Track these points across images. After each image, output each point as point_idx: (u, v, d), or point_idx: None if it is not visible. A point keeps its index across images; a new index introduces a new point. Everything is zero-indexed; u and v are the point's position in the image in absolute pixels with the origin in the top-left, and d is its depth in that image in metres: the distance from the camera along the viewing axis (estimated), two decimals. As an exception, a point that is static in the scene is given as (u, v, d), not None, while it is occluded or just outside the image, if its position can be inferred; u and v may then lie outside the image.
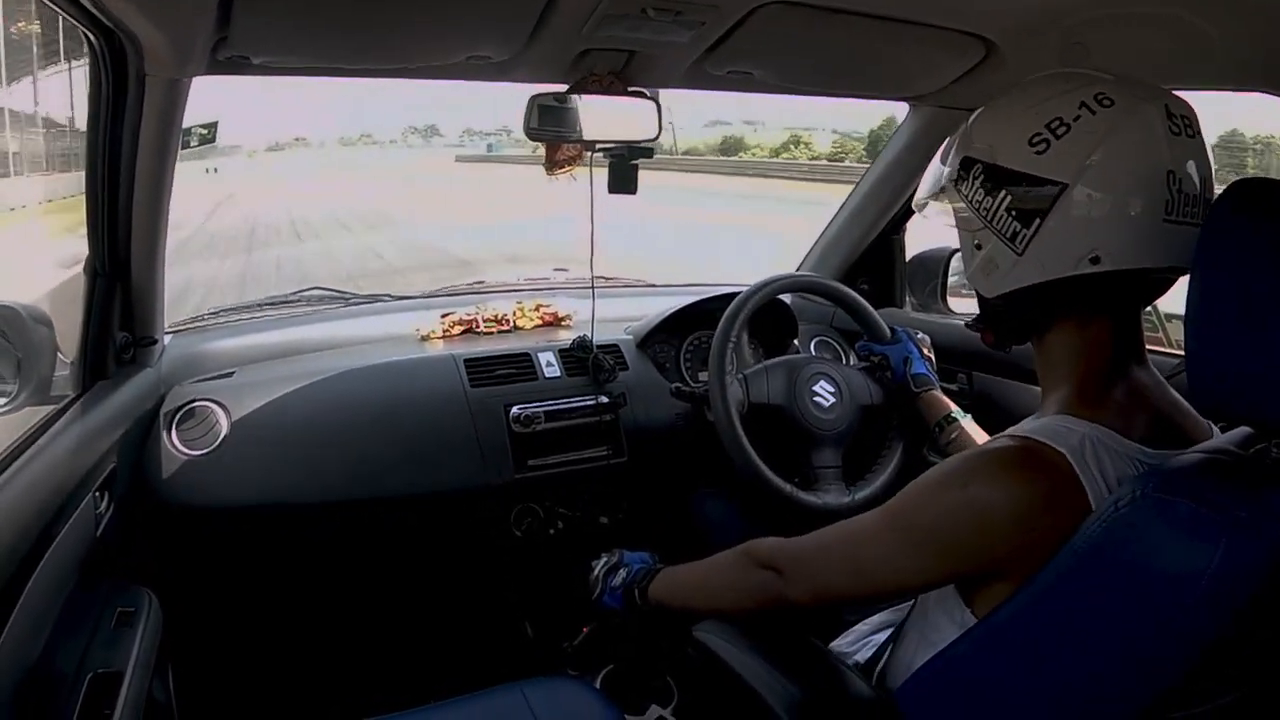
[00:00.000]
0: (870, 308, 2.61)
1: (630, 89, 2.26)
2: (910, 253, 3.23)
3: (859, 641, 1.84)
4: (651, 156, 2.38)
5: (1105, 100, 1.31)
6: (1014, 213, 1.36)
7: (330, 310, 3.06)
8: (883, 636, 1.79)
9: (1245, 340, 1.12)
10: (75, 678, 1.60)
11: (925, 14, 2.00)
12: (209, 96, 1.96)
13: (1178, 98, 1.34)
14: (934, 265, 3.10)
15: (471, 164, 58.37)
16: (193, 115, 2.02)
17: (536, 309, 3.07)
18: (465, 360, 2.67)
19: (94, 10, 1.59)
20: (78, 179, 1.97)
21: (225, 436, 2.38)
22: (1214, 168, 1.35)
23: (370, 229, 25.33)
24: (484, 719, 1.79)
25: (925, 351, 2.51)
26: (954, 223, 1.50)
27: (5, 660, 1.38)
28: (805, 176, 35.74)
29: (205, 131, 2.31)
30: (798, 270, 3.36)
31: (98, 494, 1.86)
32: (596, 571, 1.94)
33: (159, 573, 2.15)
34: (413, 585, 2.75)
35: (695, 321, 2.96)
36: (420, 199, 34.69)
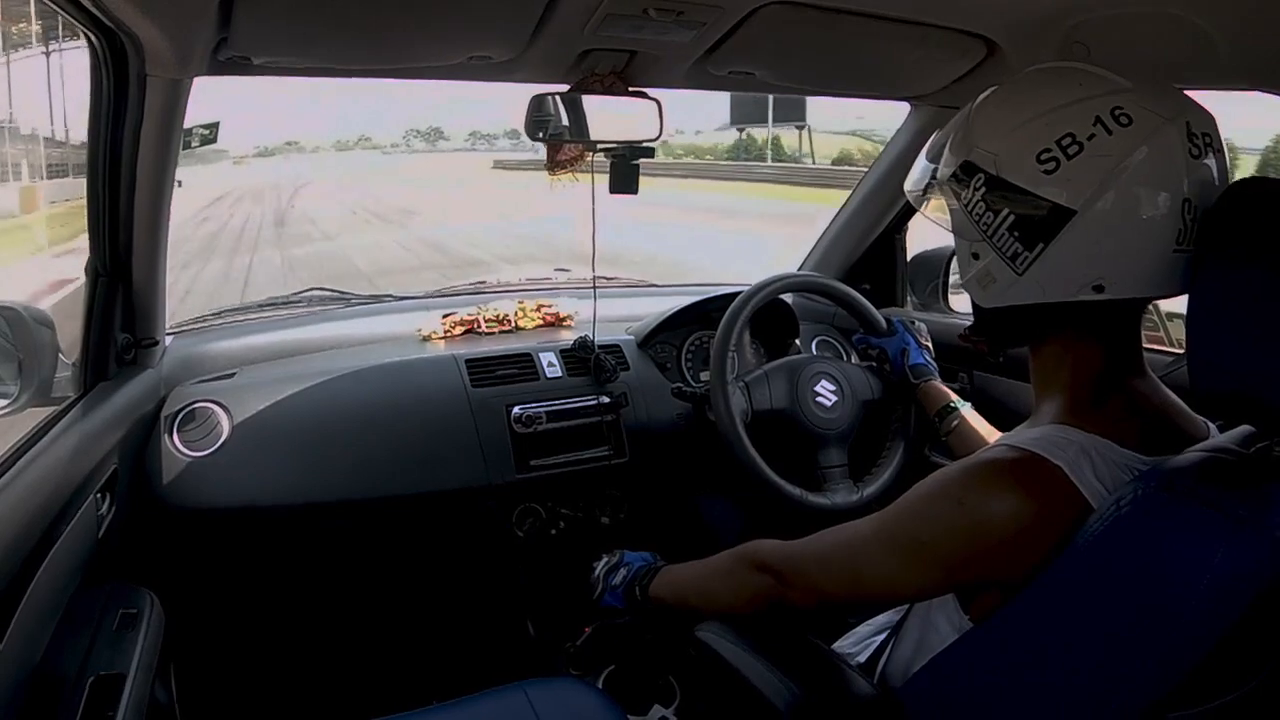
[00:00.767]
0: (865, 301, 2.61)
1: (632, 89, 2.26)
2: (911, 252, 3.23)
3: (861, 643, 1.84)
4: (653, 156, 2.38)
5: (1123, 117, 1.25)
6: (1016, 233, 1.32)
7: (332, 311, 3.06)
8: (883, 638, 1.79)
9: (1246, 339, 1.12)
10: (77, 680, 1.60)
11: (927, 14, 2.00)
12: (196, 97, 1.95)
13: (1199, 109, 1.30)
14: (935, 265, 3.11)
15: (515, 171, 45.20)
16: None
17: (538, 309, 3.07)
18: (467, 360, 2.68)
19: (94, 10, 1.59)
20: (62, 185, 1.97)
21: (227, 438, 2.38)
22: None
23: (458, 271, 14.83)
24: (487, 719, 1.79)
25: (923, 341, 2.50)
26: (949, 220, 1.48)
27: (8, 662, 1.38)
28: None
29: (206, 132, 2.30)
30: (799, 270, 3.36)
31: (99, 495, 1.86)
32: (598, 572, 1.94)
33: (161, 574, 2.15)
34: (415, 586, 2.75)
35: (696, 321, 2.97)
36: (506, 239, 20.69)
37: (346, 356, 2.71)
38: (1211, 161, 1.28)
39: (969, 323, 1.57)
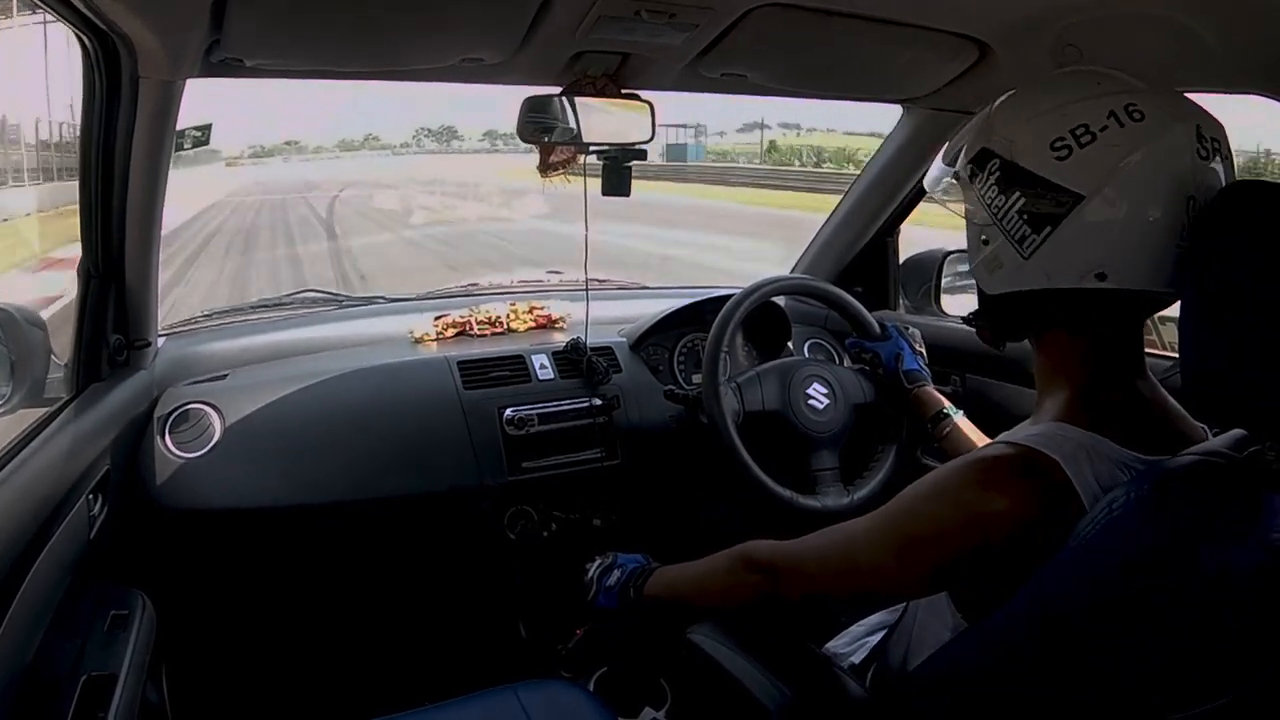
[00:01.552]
0: (859, 305, 2.62)
1: (624, 91, 2.26)
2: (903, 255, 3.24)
3: (854, 643, 1.84)
4: (645, 159, 2.38)
5: (1136, 113, 1.28)
6: (1025, 216, 1.33)
7: (323, 312, 3.06)
8: (877, 638, 1.79)
9: (1239, 343, 1.12)
10: (69, 680, 1.60)
11: (919, 16, 2.00)
12: (188, 92, 1.95)
13: (1210, 117, 1.32)
14: (927, 267, 3.12)
15: (654, 182, 34.44)
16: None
17: (530, 311, 3.07)
18: (459, 362, 2.68)
19: (87, 12, 1.59)
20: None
21: (219, 439, 2.38)
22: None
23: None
24: None
25: (917, 347, 2.51)
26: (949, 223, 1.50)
27: None
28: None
29: (199, 134, 2.30)
30: (791, 273, 3.36)
31: (91, 497, 1.86)
32: (591, 573, 1.94)
33: (153, 575, 2.14)
34: (406, 587, 2.75)
35: (688, 323, 2.97)
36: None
37: (339, 358, 2.71)
38: (1219, 166, 1.30)
39: (961, 325, 1.58)
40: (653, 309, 2.99)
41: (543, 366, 2.74)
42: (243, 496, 2.36)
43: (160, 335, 2.49)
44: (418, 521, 2.59)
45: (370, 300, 3.19)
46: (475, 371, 2.67)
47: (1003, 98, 1.45)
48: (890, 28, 2.03)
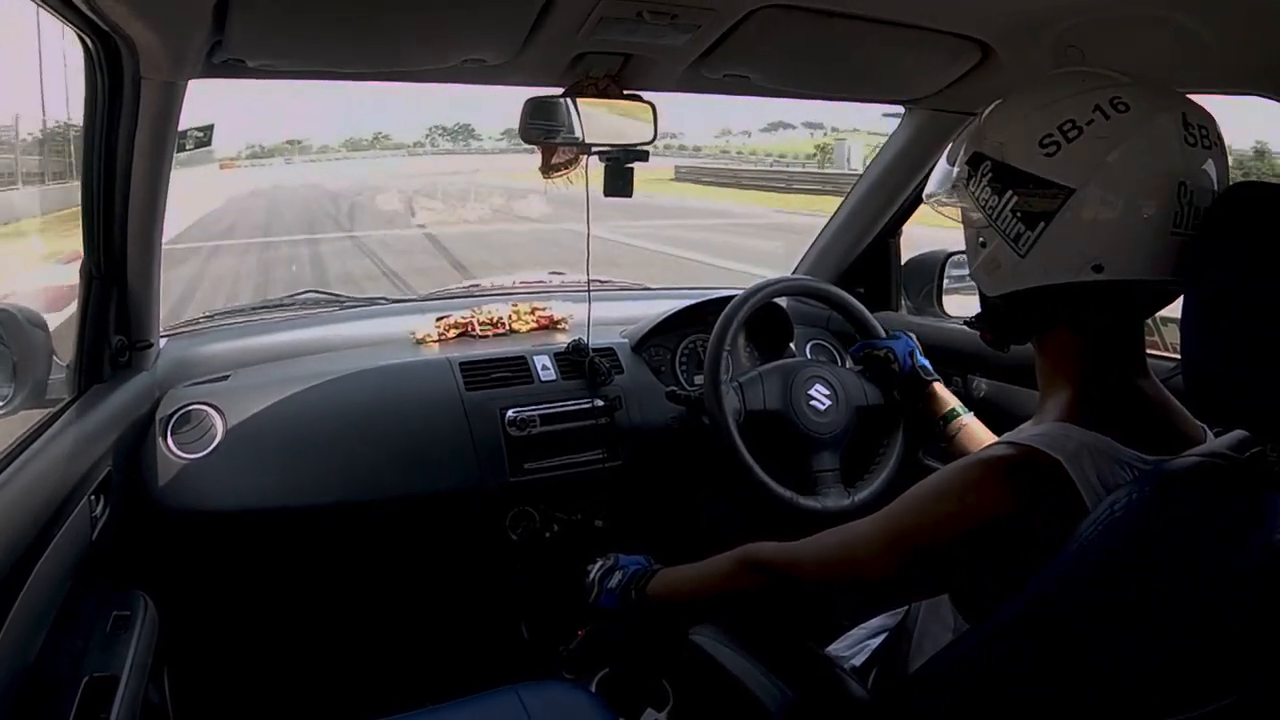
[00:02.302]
0: (864, 309, 2.62)
1: (626, 92, 2.26)
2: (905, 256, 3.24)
3: (854, 646, 1.84)
4: (647, 159, 2.38)
5: (1120, 105, 1.29)
6: (1019, 214, 1.35)
7: (325, 313, 3.06)
8: (878, 641, 1.79)
9: (1240, 344, 1.12)
10: (71, 681, 1.60)
11: (921, 17, 2.00)
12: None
13: (1197, 106, 1.33)
14: (929, 268, 3.11)
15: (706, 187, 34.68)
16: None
17: (532, 312, 3.07)
18: (460, 363, 2.68)
19: (89, 13, 1.59)
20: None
21: (221, 440, 2.38)
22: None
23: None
24: None
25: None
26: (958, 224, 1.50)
27: (1, 663, 1.38)
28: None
29: (201, 134, 2.30)
30: (793, 273, 3.36)
31: (93, 498, 1.87)
32: (592, 575, 1.94)
33: (155, 576, 2.15)
34: (408, 588, 2.75)
35: (690, 325, 2.97)
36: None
37: (340, 359, 2.71)
38: (1209, 154, 1.31)
39: (963, 326, 1.58)
40: (655, 310, 2.99)
41: (545, 367, 2.74)
42: (244, 497, 2.36)
43: (162, 336, 2.49)
44: (419, 522, 2.59)
45: (372, 301, 3.20)
46: (477, 372, 2.67)
47: (993, 104, 1.47)
48: (892, 29, 2.03)
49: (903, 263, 3.24)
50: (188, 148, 2.24)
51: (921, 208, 3.05)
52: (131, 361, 2.25)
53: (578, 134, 2.24)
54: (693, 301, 2.97)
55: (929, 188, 1.62)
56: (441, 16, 1.87)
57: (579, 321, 2.91)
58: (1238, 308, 1.13)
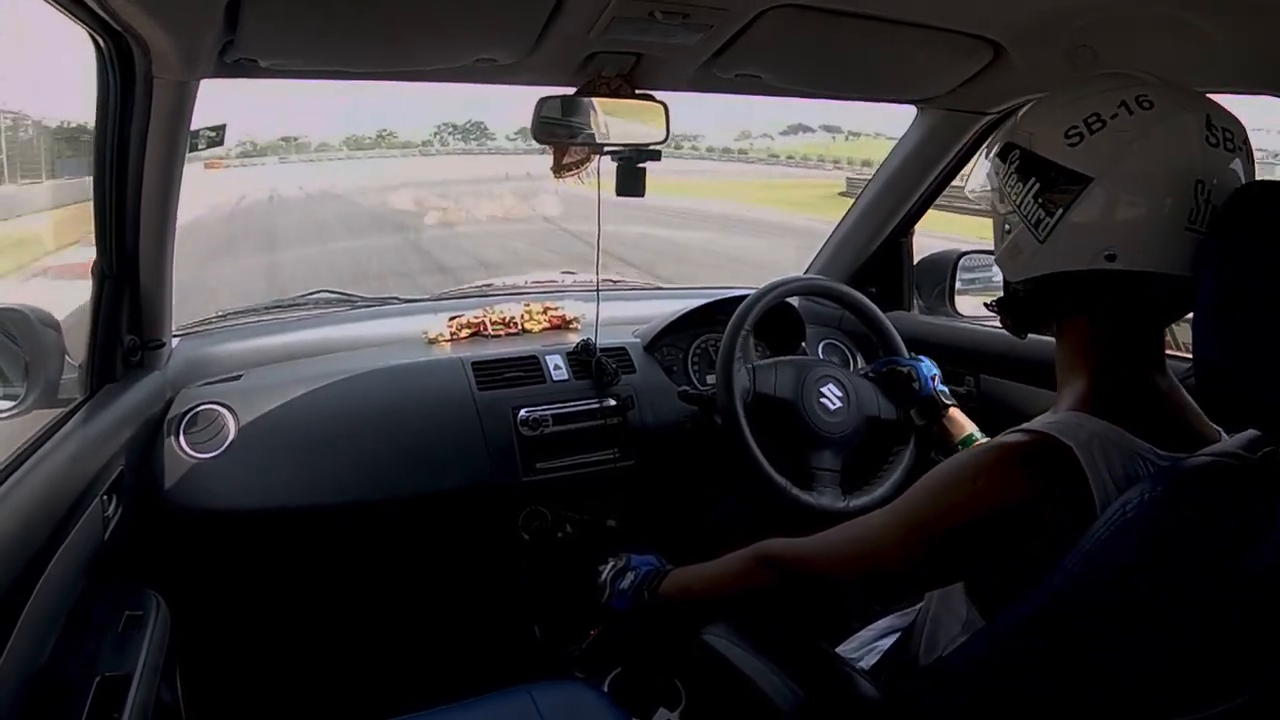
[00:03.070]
0: (876, 308, 2.65)
1: (638, 92, 2.26)
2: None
3: (862, 648, 1.84)
4: (659, 159, 2.38)
5: (1145, 102, 1.32)
6: (1040, 200, 1.38)
7: (337, 313, 3.06)
8: (887, 642, 1.79)
9: (1252, 344, 1.12)
10: (83, 681, 1.60)
11: (933, 17, 2.00)
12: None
13: (1223, 110, 1.35)
14: (942, 268, 3.12)
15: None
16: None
17: (544, 311, 3.07)
18: (473, 363, 2.68)
19: (101, 13, 1.59)
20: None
21: (233, 440, 2.38)
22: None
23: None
24: None
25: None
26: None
27: (13, 663, 1.38)
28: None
29: (213, 134, 2.30)
30: (806, 273, 3.36)
31: (105, 497, 1.87)
32: (604, 576, 1.94)
33: (167, 576, 2.15)
34: (420, 588, 2.75)
35: (703, 324, 2.97)
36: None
37: (353, 359, 2.72)
38: (1232, 157, 1.32)
39: (975, 326, 1.59)
40: (668, 309, 2.99)
41: (557, 367, 2.74)
42: (257, 497, 2.37)
43: (174, 336, 2.50)
44: (431, 522, 2.59)
45: (384, 301, 3.19)
46: (489, 372, 2.67)
47: (1032, 102, 1.50)
48: (904, 28, 2.03)
49: (915, 262, 3.23)
50: (199, 147, 2.24)
51: (929, 211, 3.06)
52: (144, 361, 2.26)
53: (590, 133, 2.24)
54: (705, 301, 2.97)
55: (972, 185, 1.68)
56: (453, 16, 1.87)
57: (591, 321, 2.90)
58: (1250, 304, 1.13)
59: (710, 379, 2.86)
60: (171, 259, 2.20)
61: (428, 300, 3.25)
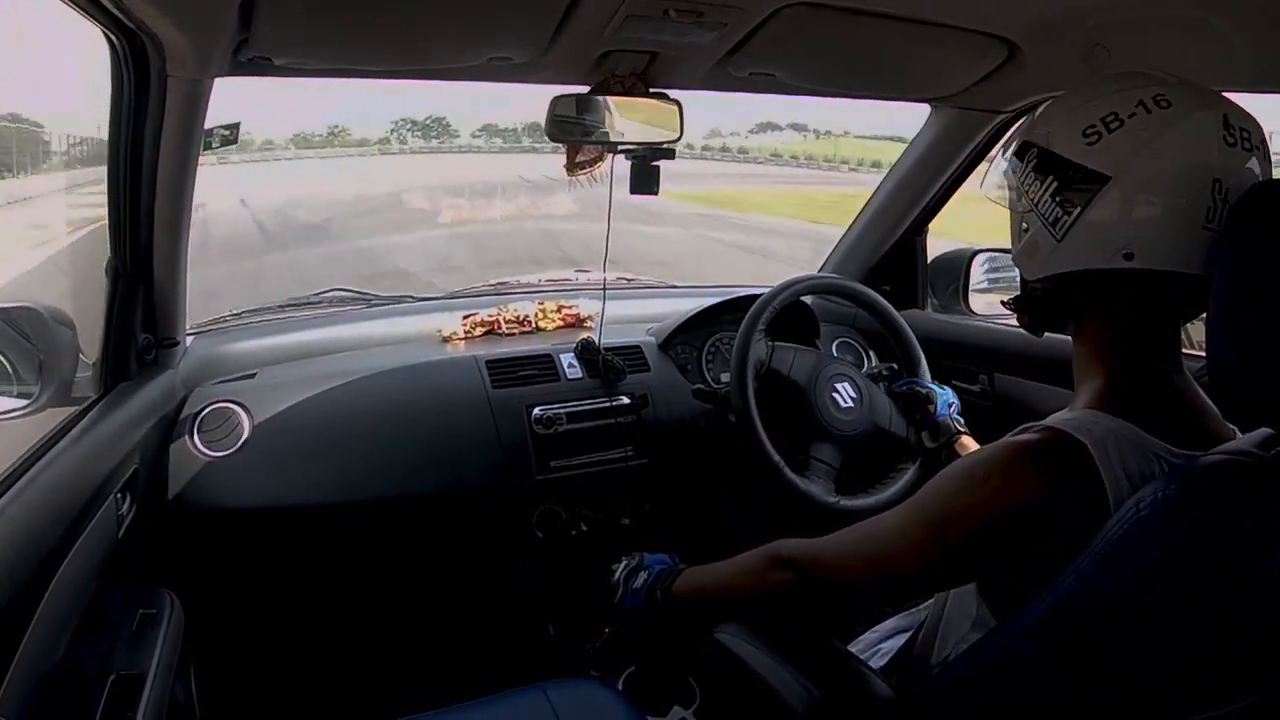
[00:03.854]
0: (891, 308, 2.67)
1: (652, 90, 2.26)
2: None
3: (868, 649, 1.84)
4: (673, 158, 2.37)
5: (1163, 102, 1.32)
6: (1058, 199, 1.38)
7: (352, 311, 3.06)
8: (893, 644, 1.79)
9: (1266, 341, 1.11)
10: (98, 679, 1.61)
11: (947, 15, 2.00)
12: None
13: (1241, 110, 1.34)
14: (956, 267, 3.12)
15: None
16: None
17: (558, 310, 3.07)
18: (487, 361, 2.68)
19: (115, 11, 1.59)
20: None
21: (247, 438, 2.39)
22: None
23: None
24: (506, 719, 1.80)
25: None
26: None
27: (28, 661, 1.38)
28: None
29: (227, 132, 2.30)
30: (820, 271, 3.35)
31: (119, 496, 1.87)
32: (617, 575, 1.94)
33: (181, 574, 2.15)
34: (434, 586, 2.76)
35: (717, 322, 2.98)
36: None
37: (367, 357, 2.72)
38: (1249, 156, 1.32)
39: (990, 325, 1.59)
40: (681, 307, 2.99)
41: (571, 365, 2.74)
42: (271, 495, 2.37)
43: (189, 334, 2.50)
44: (445, 520, 2.60)
45: (399, 299, 3.19)
46: (503, 370, 2.68)
47: (1049, 102, 1.50)
48: (918, 27, 2.02)
49: (929, 260, 3.23)
50: (213, 145, 2.24)
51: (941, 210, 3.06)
52: (158, 359, 2.26)
53: (604, 132, 2.24)
54: (720, 299, 2.97)
55: (987, 183, 1.67)
56: (469, 15, 1.87)
57: (605, 318, 2.90)
58: (1264, 302, 1.12)
59: (724, 377, 2.86)
60: (186, 257, 2.21)
61: (442, 299, 3.25)
